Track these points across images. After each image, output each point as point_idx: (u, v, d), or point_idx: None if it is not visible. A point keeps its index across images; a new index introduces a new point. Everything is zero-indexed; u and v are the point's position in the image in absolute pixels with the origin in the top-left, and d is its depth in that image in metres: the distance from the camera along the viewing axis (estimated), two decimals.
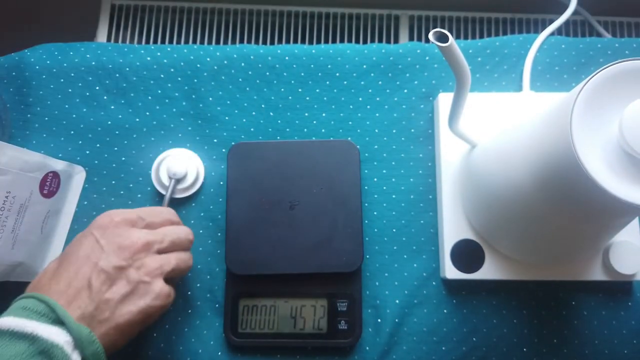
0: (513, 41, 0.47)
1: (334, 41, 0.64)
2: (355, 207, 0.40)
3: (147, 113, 0.46)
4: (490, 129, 0.40)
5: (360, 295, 0.41)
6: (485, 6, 0.63)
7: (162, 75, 0.47)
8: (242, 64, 0.47)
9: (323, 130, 0.45)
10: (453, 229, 0.41)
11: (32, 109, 0.46)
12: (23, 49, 0.48)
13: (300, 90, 0.46)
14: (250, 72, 0.47)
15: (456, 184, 0.41)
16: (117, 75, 0.47)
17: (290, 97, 0.46)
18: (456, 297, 0.42)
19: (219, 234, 0.43)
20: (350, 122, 0.45)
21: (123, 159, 0.45)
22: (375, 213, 0.43)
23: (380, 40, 0.64)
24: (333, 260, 0.39)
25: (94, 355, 0.29)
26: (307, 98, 0.46)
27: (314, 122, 0.46)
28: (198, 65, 0.47)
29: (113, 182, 0.45)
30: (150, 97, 0.46)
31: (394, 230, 0.43)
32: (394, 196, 0.44)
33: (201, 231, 0.43)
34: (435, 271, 0.42)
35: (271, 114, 0.46)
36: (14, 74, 0.47)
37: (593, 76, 0.25)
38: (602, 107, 0.25)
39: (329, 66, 0.46)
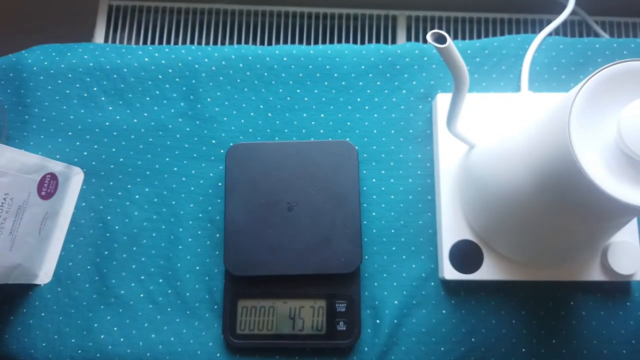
0: (511, 41, 0.47)
1: (332, 41, 0.64)
2: (354, 207, 0.40)
3: (145, 114, 0.46)
4: (488, 129, 0.40)
5: (359, 296, 0.41)
6: (483, 6, 0.63)
7: (160, 76, 0.46)
8: (240, 65, 0.47)
9: (321, 131, 0.45)
10: (452, 229, 0.41)
11: (30, 110, 0.46)
12: (20, 50, 0.48)
13: (298, 91, 0.46)
14: (248, 73, 0.46)
15: (455, 184, 0.41)
16: (115, 76, 0.47)
17: (288, 98, 0.46)
18: (455, 297, 0.42)
19: (218, 235, 0.43)
20: (348, 123, 0.45)
21: (121, 160, 0.45)
22: (373, 214, 0.43)
23: (378, 41, 0.64)
24: (332, 261, 0.39)
25: None
26: (306, 99, 0.46)
27: (313, 122, 0.45)
28: (196, 66, 0.47)
29: (111, 183, 0.45)
30: (148, 98, 0.46)
31: (393, 230, 0.43)
32: (392, 197, 0.44)
33: (200, 232, 0.43)
34: (434, 272, 0.42)
35: (269, 114, 0.46)
36: (11, 75, 0.47)
37: (591, 77, 0.25)
38: (600, 108, 0.25)
39: (327, 67, 0.46)
